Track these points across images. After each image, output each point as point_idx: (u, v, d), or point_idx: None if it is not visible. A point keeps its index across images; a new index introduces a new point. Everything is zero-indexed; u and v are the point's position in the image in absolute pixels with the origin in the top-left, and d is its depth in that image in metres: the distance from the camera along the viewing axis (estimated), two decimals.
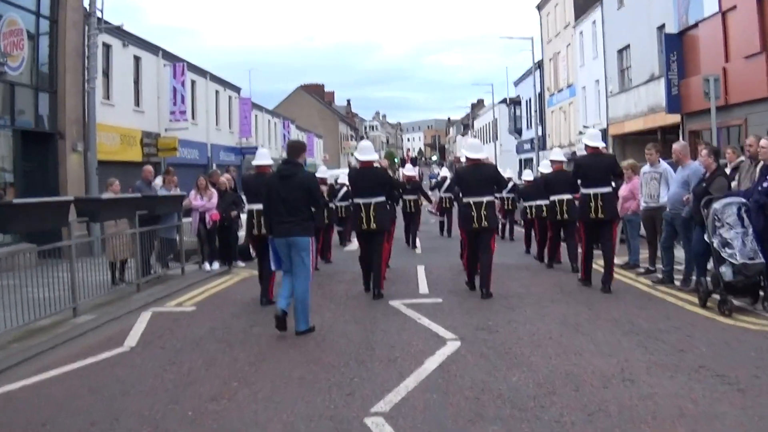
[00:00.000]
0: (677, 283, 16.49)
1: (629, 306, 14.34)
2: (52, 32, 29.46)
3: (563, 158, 21.87)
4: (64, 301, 14.88)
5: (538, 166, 29.80)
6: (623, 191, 19.58)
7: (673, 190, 16.91)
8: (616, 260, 17.64)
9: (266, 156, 17.09)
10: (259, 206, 14.65)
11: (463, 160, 18.78)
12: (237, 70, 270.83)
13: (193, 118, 49.43)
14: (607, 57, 51.88)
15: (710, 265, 14.19)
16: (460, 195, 16.49)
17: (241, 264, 24.11)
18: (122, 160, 34.93)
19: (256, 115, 69.22)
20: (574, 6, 61.49)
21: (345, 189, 25.56)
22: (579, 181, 16.78)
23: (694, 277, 15.44)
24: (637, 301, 15.00)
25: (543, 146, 70.12)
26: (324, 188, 23.32)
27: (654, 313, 13.57)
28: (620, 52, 49.24)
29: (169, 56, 44.69)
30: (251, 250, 21.12)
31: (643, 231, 19.63)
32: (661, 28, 40.49)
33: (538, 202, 22.63)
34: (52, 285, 14.44)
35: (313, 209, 12.96)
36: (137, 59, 40.50)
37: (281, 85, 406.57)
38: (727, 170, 15.67)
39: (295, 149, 13.37)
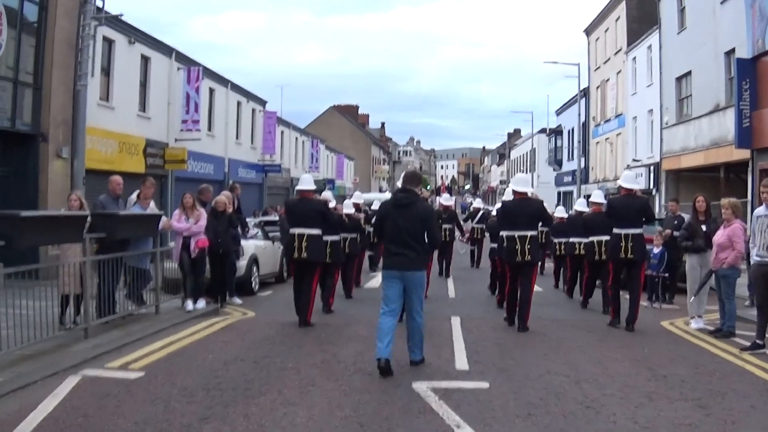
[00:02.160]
0: None
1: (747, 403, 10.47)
2: (41, 19, 26.09)
3: (603, 201, 21.01)
4: None
5: (574, 204, 27.57)
6: (719, 238, 15.86)
7: None
8: (708, 326, 16.95)
9: (310, 181, 17.34)
10: (302, 230, 16.41)
11: (508, 194, 18.52)
12: (271, 88, 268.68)
13: (209, 129, 45.91)
14: (664, 85, 47.54)
15: None
16: (502, 229, 17.01)
17: (237, 301, 20.59)
18: (120, 171, 30.42)
19: (282, 131, 65.57)
20: (627, 30, 57.68)
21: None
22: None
23: None
24: (759, 397, 10.89)
25: (585, 179, 66.63)
26: (360, 215, 23.97)
27: None
28: (679, 79, 45.02)
29: (183, 59, 40.89)
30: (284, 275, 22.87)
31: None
32: (730, 53, 36.29)
33: (571, 240, 23.03)
34: None
35: (427, 242, 12.51)
36: (146, 59, 36.75)
37: (315, 105, 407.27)
38: None
39: (413, 178, 12.95)
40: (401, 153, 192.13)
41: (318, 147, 78.85)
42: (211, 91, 46.25)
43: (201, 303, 18.71)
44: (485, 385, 11.02)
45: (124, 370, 11.94)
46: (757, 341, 14.10)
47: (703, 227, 17.33)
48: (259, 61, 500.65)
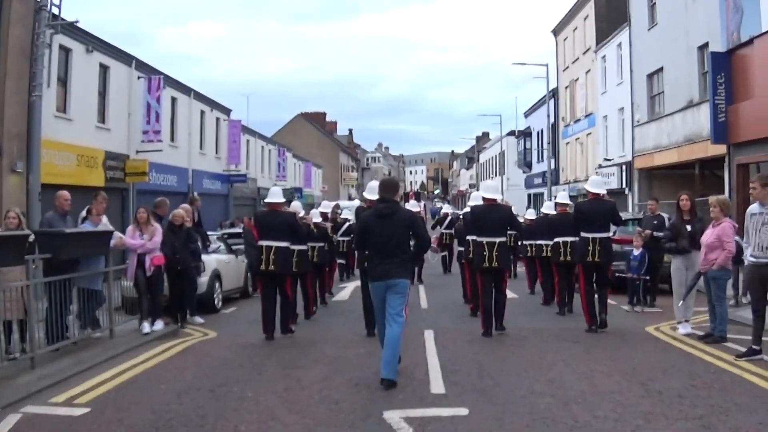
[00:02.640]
0: None
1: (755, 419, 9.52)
2: None
3: (568, 201, 21.86)
4: None
5: (541, 207, 28.93)
6: (708, 238, 14.97)
7: None
8: (696, 330, 16.22)
9: (279, 194, 17.52)
10: (270, 243, 16.60)
11: (474, 198, 19.36)
12: (238, 97, 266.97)
13: (172, 139, 44.48)
14: (635, 82, 46.86)
15: None
16: (469, 233, 18.23)
17: (198, 320, 19.55)
18: (78, 185, 29.33)
19: (247, 140, 64.17)
20: (596, 29, 57.01)
21: (348, 224, 26.78)
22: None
23: None
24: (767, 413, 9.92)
25: (556, 180, 66.10)
26: (328, 224, 23.93)
27: None
28: (650, 76, 44.37)
29: (143, 67, 39.54)
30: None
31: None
32: (704, 47, 35.57)
33: (539, 242, 23.53)
34: None
35: (413, 246, 12.91)
36: (104, 68, 35.37)
37: (283, 114, 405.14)
38: None
39: (392, 186, 12.93)
40: (370, 159, 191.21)
41: (285, 155, 77.53)
42: (173, 100, 44.97)
43: (159, 324, 17.59)
44: (464, 411, 9.90)
45: (69, 405, 10.81)
46: (754, 347, 13.13)
47: (688, 227, 16.35)
48: (227, 71, 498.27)
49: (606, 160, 52.31)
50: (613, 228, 18.89)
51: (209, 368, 13.32)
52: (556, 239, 20.81)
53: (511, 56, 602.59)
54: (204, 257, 21.61)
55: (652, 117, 44.08)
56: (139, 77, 38.42)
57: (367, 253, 13.04)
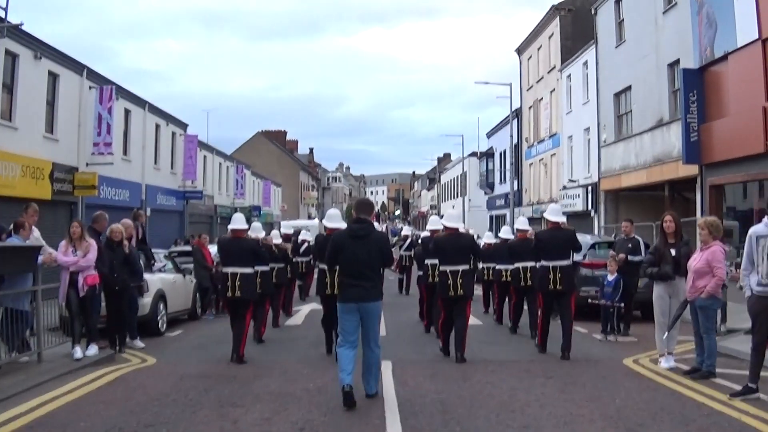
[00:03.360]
0: None
1: None
2: None
3: (528, 227, 21.68)
4: None
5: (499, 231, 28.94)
6: (696, 263, 13.70)
7: None
8: (679, 364, 15.04)
9: (242, 221, 17.43)
10: (234, 269, 16.35)
11: (433, 222, 21.40)
12: (199, 114, 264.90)
13: (125, 153, 43.14)
14: (602, 101, 45.78)
15: None
16: (434, 262, 18.21)
17: (139, 345, 18.21)
18: (23, 197, 27.87)
19: (204, 156, 62.77)
20: (561, 47, 55.79)
21: (306, 244, 27.15)
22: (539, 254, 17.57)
23: None
24: None
25: (519, 202, 64.63)
26: (288, 245, 24.12)
27: None
28: (618, 95, 43.18)
29: (95, 77, 38.16)
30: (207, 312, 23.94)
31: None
32: (674, 64, 34.53)
33: (498, 267, 23.19)
34: None
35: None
36: (54, 76, 33.99)
37: (244, 132, 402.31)
38: None
39: (366, 206, 13.05)
40: (330, 179, 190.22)
41: (243, 173, 76.08)
42: (127, 112, 43.57)
43: (92, 349, 16.14)
44: None
45: None
46: (750, 384, 11.80)
47: (672, 251, 15.00)
48: (189, 88, 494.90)
49: (571, 181, 51.26)
50: (582, 252, 19.80)
51: (138, 404, 11.81)
52: (516, 264, 20.97)
53: (474, 77, 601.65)
54: (147, 276, 20.27)
55: (619, 137, 42.93)
56: (90, 87, 37.17)
57: (337, 273, 13.16)
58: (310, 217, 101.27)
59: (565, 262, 17.00)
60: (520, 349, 18.10)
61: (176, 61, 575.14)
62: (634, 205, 41.21)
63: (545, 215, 18.48)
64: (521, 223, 22.15)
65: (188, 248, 30.12)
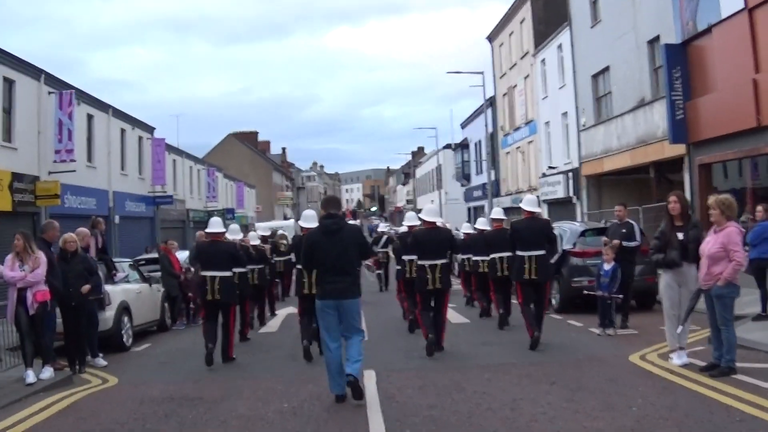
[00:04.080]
0: None
1: None
2: None
3: (503, 216, 22.34)
4: None
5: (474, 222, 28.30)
6: (710, 247, 12.37)
7: None
8: (696, 361, 13.44)
9: (219, 224, 17.60)
10: (213, 273, 16.48)
11: (409, 218, 20.63)
12: (169, 120, 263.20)
13: (89, 159, 41.48)
14: (579, 84, 44.56)
15: None
16: (413, 258, 18.14)
17: (101, 363, 16.86)
18: None
19: (174, 160, 61.13)
20: (533, 32, 54.61)
21: (284, 242, 26.86)
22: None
23: None
24: None
25: (497, 192, 63.83)
26: (267, 246, 23.59)
27: None
28: (596, 77, 41.94)
29: (54, 82, 36.53)
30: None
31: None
32: (654, 41, 33.45)
33: (475, 258, 23.58)
34: None
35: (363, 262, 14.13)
36: (9, 82, 32.36)
37: (216, 137, 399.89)
38: None
39: (334, 202, 12.92)
40: (304, 178, 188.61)
41: (215, 176, 74.57)
42: (90, 117, 41.84)
43: (47, 372, 14.65)
44: None
45: None
46: None
47: (680, 235, 13.58)
48: (159, 95, 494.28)
49: (550, 168, 50.07)
50: (572, 240, 20.92)
51: None
52: (492, 255, 21.07)
53: (444, 70, 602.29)
54: (109, 288, 19.03)
55: (599, 120, 41.74)
56: (49, 93, 35.52)
57: (315, 271, 12.87)
58: (285, 218, 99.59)
59: (540, 252, 16.96)
60: (514, 348, 16.60)
61: (146, 70, 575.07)
62: (617, 190, 40.16)
63: (521, 205, 18.28)
64: (497, 213, 22.45)
65: (155, 255, 28.68)
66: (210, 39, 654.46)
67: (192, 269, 24.35)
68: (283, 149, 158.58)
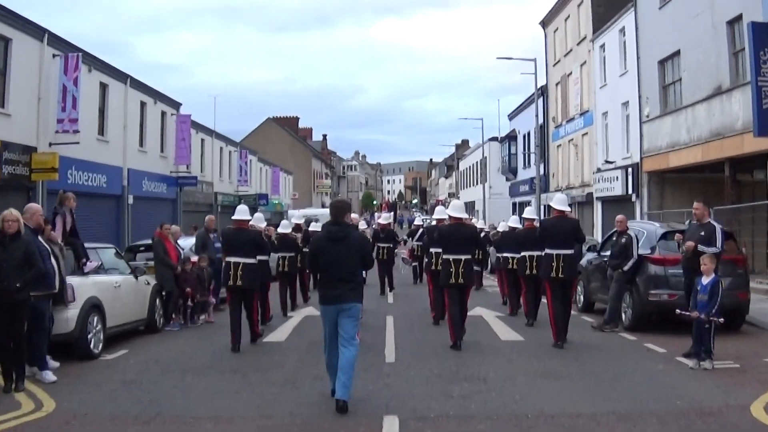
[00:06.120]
0: None
1: None
2: None
3: (535, 216, 23.21)
4: None
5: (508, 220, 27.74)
6: None
7: None
8: None
9: (245, 212, 18.06)
10: (237, 259, 17.11)
11: (437, 214, 21.66)
12: (217, 107, 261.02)
13: (101, 133, 38.12)
14: (643, 71, 40.70)
15: None
16: (438, 250, 19.00)
17: (49, 378, 13.38)
18: None
19: (202, 140, 57.95)
20: (592, 15, 50.90)
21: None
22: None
23: None
24: None
25: (546, 187, 60.05)
26: (298, 235, 24.94)
27: None
28: (663, 62, 38.10)
29: (61, 44, 33.17)
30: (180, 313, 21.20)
31: None
32: (735, 21, 29.76)
33: (505, 254, 23.88)
34: None
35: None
36: (6, 41, 29.00)
37: (257, 123, 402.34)
38: None
39: (341, 209, 12.50)
40: (346, 167, 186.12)
41: (248, 158, 71.40)
42: (104, 86, 38.43)
43: None
44: None
45: None
46: None
47: None
48: (204, 80, 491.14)
49: (607, 162, 46.25)
50: (650, 244, 19.09)
51: None
52: (522, 253, 21.38)
53: (489, 65, 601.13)
54: (75, 281, 15.49)
55: (665, 110, 37.96)
56: (54, 56, 32.23)
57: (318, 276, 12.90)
58: (323, 206, 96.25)
59: (568, 251, 17.17)
60: (587, 384, 12.97)
61: (192, 54, 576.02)
62: (682, 189, 37.01)
63: (551, 203, 18.85)
64: (529, 212, 23.36)
65: (147, 242, 25.05)
66: (257, 26, 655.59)
67: (191, 259, 21.72)
68: (324, 136, 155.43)
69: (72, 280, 15.38)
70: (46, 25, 28.23)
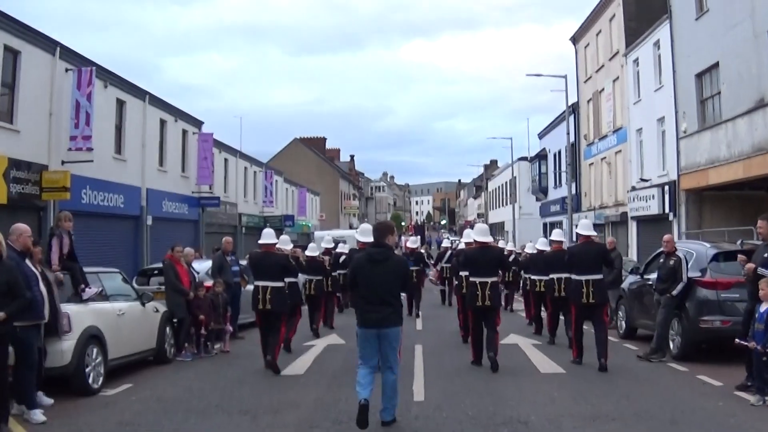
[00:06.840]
0: None
1: None
2: None
3: (563, 239, 22.73)
4: None
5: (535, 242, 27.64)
6: None
7: None
8: None
9: (272, 235, 18.36)
10: (265, 283, 17.33)
11: (466, 237, 22.78)
12: (245, 130, 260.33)
13: (118, 151, 36.87)
14: (679, 85, 39.21)
15: None
16: (467, 273, 19.09)
17: (38, 418, 12.13)
18: None
19: (226, 159, 56.67)
20: (625, 29, 49.51)
21: (344, 257, 27.62)
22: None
23: None
24: None
25: (577, 207, 58.61)
26: (326, 258, 25.26)
27: None
28: (701, 75, 36.64)
29: (73, 57, 31.89)
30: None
31: None
32: None
33: (533, 277, 24.55)
34: None
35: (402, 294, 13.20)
36: (15, 54, 27.73)
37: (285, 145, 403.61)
38: None
39: (384, 231, 12.73)
40: (374, 188, 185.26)
41: (273, 179, 70.03)
42: (121, 103, 37.19)
43: None
44: None
45: None
46: None
47: None
48: (233, 102, 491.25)
49: (642, 180, 44.72)
50: (700, 266, 17.95)
51: None
52: (551, 275, 21.60)
53: (517, 86, 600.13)
54: (71, 309, 14.26)
55: (703, 125, 36.39)
56: (67, 70, 30.95)
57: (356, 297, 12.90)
58: (351, 227, 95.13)
59: (596, 276, 17.42)
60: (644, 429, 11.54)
61: (221, 76, 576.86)
62: (721, 207, 35.91)
63: (577, 230, 18.96)
64: (557, 234, 22.81)
65: (158, 265, 23.85)
66: (284, 48, 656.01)
67: (205, 284, 20.61)
68: (351, 157, 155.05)
69: (68, 308, 14.18)
70: (76, 46, 27.40)
